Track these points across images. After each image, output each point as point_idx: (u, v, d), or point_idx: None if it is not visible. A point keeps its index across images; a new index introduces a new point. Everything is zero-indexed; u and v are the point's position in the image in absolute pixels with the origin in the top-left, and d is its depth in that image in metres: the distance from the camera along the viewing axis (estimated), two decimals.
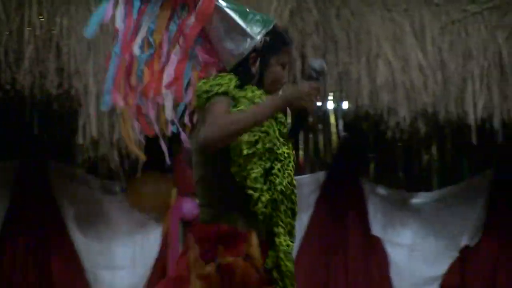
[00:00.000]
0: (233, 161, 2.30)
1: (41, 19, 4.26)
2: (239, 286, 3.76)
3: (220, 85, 2.32)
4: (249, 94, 2.35)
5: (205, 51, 2.43)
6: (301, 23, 4.14)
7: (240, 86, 2.35)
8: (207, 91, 2.32)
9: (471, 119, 4.22)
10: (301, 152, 5.16)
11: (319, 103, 2.31)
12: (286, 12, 4.13)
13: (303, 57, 4.19)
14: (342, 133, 4.96)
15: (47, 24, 4.30)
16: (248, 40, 2.43)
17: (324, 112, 4.89)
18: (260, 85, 2.40)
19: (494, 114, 4.26)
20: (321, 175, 4.80)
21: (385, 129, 4.22)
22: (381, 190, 4.86)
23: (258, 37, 2.41)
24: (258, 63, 2.41)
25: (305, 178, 4.88)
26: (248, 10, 2.54)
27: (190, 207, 4.24)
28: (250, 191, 2.31)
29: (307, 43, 4.14)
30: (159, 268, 4.35)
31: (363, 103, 4.13)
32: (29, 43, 4.21)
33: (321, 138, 5.09)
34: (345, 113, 4.58)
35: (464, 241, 4.78)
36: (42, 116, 4.72)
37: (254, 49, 2.39)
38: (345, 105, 4.39)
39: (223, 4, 2.41)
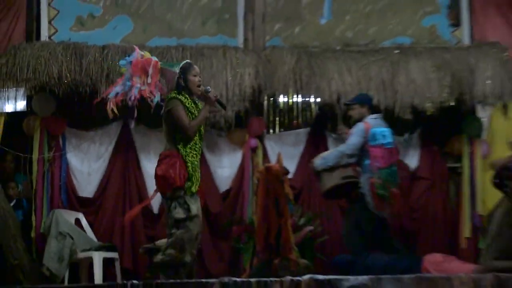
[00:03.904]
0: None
1: None
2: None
3: (175, 95, 5.79)
4: (183, 97, 5.78)
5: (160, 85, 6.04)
6: None
7: (179, 93, 5.77)
8: (171, 96, 5.77)
9: None
10: None
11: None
12: None
13: None
14: None
15: None
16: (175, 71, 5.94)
17: None
18: (187, 89, 5.85)
19: None
20: None
21: None
22: None
23: (177, 70, 5.89)
24: (182, 79, 5.85)
25: None
26: (171, 62, 6.82)
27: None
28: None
29: None
30: None
31: None
32: None
33: None
34: None
35: None
36: None
37: (180, 74, 5.88)
38: None
39: (161, 64, 5.99)
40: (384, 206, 7.32)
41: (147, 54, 6.26)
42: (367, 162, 7.30)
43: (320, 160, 7.42)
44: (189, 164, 5.98)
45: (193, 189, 6.11)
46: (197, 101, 6.20)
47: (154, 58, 6.25)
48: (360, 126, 7.42)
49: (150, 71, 6.07)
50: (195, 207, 6.06)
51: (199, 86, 6.09)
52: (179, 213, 5.95)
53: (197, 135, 6.09)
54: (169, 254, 6.01)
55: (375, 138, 7.33)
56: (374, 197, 7.23)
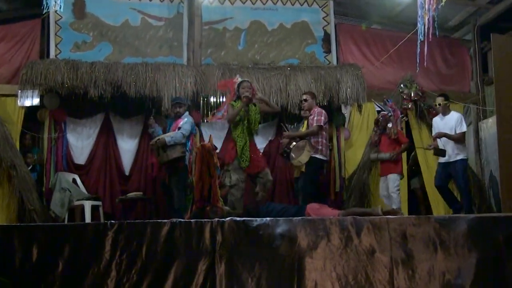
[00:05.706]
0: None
1: None
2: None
3: (233, 103, 8.31)
4: (237, 103, 8.27)
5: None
6: None
7: (236, 99, 8.37)
8: (231, 104, 8.29)
9: None
10: None
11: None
12: None
13: None
14: None
15: None
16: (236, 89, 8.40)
17: None
18: (239, 98, 8.31)
19: None
20: None
21: None
22: None
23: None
24: (238, 92, 8.41)
25: None
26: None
27: None
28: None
29: None
30: None
31: None
32: None
33: None
34: None
35: None
36: None
37: (237, 90, 8.45)
38: None
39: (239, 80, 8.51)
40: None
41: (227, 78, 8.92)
42: (188, 143, 9.23)
43: (169, 138, 8.76)
44: (236, 147, 7.96)
45: (242, 164, 7.96)
46: (249, 105, 8.34)
47: (235, 78, 8.53)
48: (190, 119, 9.26)
49: (234, 87, 8.34)
50: (235, 177, 7.88)
51: (243, 94, 8.22)
52: (224, 180, 7.93)
53: (244, 130, 8.15)
54: (226, 209, 7.39)
55: (194, 129, 9.34)
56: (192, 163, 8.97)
